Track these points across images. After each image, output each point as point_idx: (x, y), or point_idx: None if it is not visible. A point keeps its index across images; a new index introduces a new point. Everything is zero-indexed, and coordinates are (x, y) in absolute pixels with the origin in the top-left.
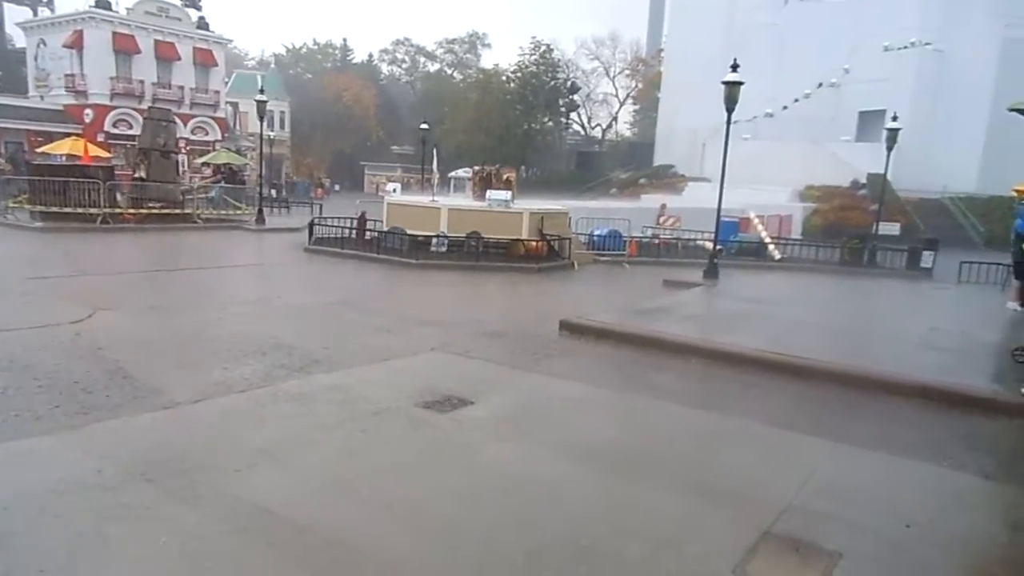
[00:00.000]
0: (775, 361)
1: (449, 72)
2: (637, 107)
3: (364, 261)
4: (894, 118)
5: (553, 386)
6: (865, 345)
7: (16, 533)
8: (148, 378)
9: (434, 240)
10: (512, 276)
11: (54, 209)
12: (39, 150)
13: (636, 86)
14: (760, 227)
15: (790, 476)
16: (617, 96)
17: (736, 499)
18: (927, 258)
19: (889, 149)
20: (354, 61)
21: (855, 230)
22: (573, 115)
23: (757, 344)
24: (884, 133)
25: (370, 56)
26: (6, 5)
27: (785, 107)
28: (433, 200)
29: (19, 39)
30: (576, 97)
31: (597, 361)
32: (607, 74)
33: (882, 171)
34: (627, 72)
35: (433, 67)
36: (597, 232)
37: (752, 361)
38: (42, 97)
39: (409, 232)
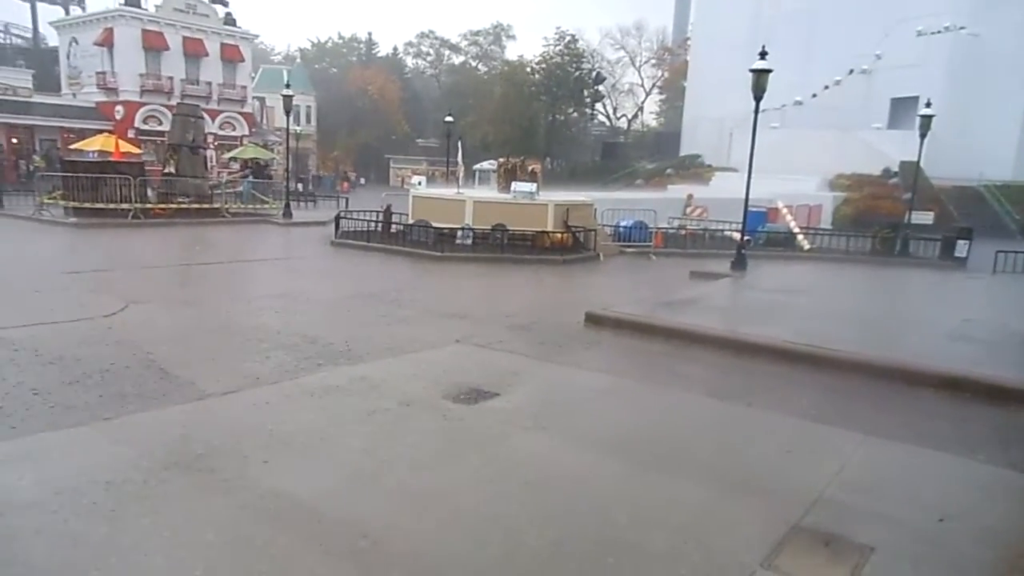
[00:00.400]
0: (803, 353)
1: (474, 64)
2: (663, 97)
3: (390, 254)
4: (927, 104)
5: (578, 378)
6: (896, 336)
7: (51, 523)
8: (179, 370)
9: (459, 233)
10: (537, 268)
11: (87, 205)
12: (72, 147)
13: (662, 75)
14: (789, 217)
15: (819, 469)
16: (643, 86)
17: (764, 492)
18: (961, 247)
19: (922, 136)
20: (379, 55)
21: (887, 219)
22: (598, 106)
23: (785, 336)
24: (917, 120)
25: (395, 49)
26: (39, 5)
27: (815, 95)
28: (458, 193)
29: (52, 38)
30: (601, 88)
31: (623, 353)
32: (633, 64)
33: (915, 159)
34: (653, 61)
35: (458, 60)
36: (623, 223)
37: (780, 353)
38: (74, 95)
39: (434, 225)
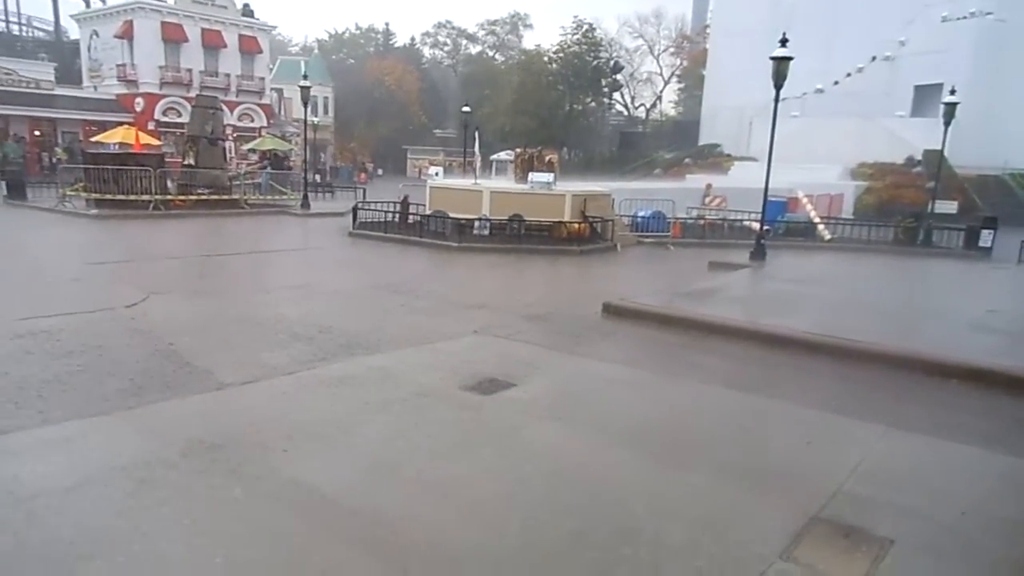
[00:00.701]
0: (824, 343)
1: (491, 54)
2: (682, 86)
3: (407, 245)
4: (952, 92)
5: (596, 369)
6: (918, 327)
7: (75, 510)
8: (199, 360)
9: (477, 223)
10: (555, 258)
11: (108, 196)
12: (93, 139)
13: (681, 64)
14: (809, 206)
15: (839, 460)
16: (661, 75)
17: (783, 483)
18: (986, 237)
19: (946, 124)
20: (396, 45)
21: (910, 208)
22: (616, 95)
23: (805, 326)
24: (941, 108)
25: (412, 40)
26: None
27: (836, 82)
28: (475, 183)
29: (73, 31)
30: (619, 77)
31: (640, 344)
32: (651, 52)
33: (939, 147)
34: (671, 50)
35: (475, 49)
36: (641, 213)
37: (800, 344)
38: (95, 87)
39: (452, 215)
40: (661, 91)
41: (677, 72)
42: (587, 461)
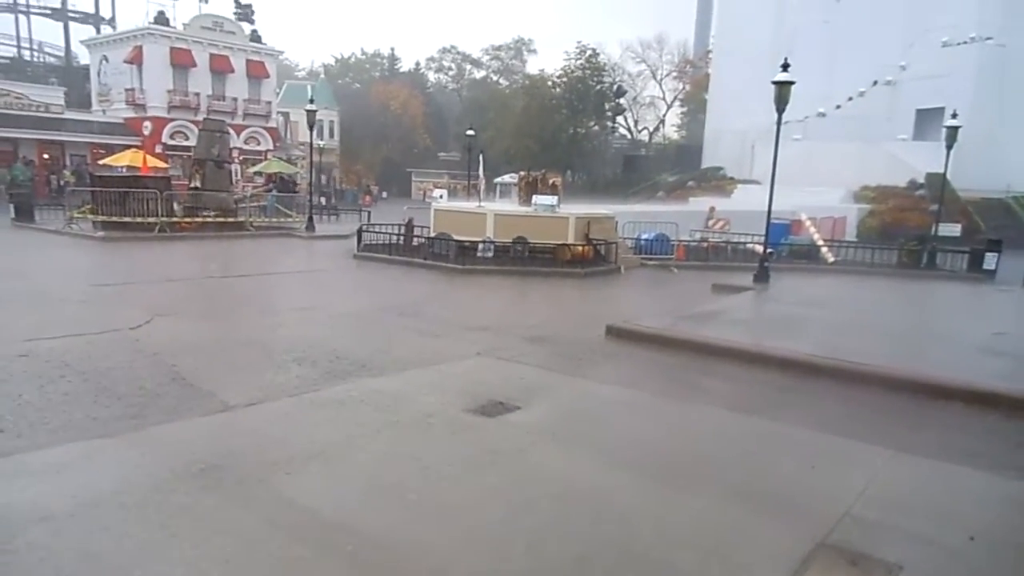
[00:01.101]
0: (828, 366)
1: (495, 79)
2: (684, 109)
3: (412, 267)
4: (954, 115)
5: (600, 391)
6: (924, 350)
7: (75, 534)
8: (203, 382)
9: (480, 246)
10: (558, 281)
11: (115, 219)
12: (101, 162)
13: (683, 88)
14: (812, 229)
15: (845, 485)
16: (664, 99)
17: (789, 508)
18: (990, 260)
19: (948, 147)
20: (401, 70)
21: (913, 231)
22: (619, 119)
23: (809, 349)
24: (943, 131)
25: (417, 64)
26: (71, 24)
27: (838, 106)
28: (479, 206)
29: (83, 56)
30: (622, 101)
31: (644, 366)
32: (654, 77)
33: (941, 170)
34: (674, 74)
35: (479, 74)
36: (644, 236)
37: (805, 366)
38: (104, 111)
39: (456, 238)
40: (664, 115)
41: (680, 96)
42: (591, 484)
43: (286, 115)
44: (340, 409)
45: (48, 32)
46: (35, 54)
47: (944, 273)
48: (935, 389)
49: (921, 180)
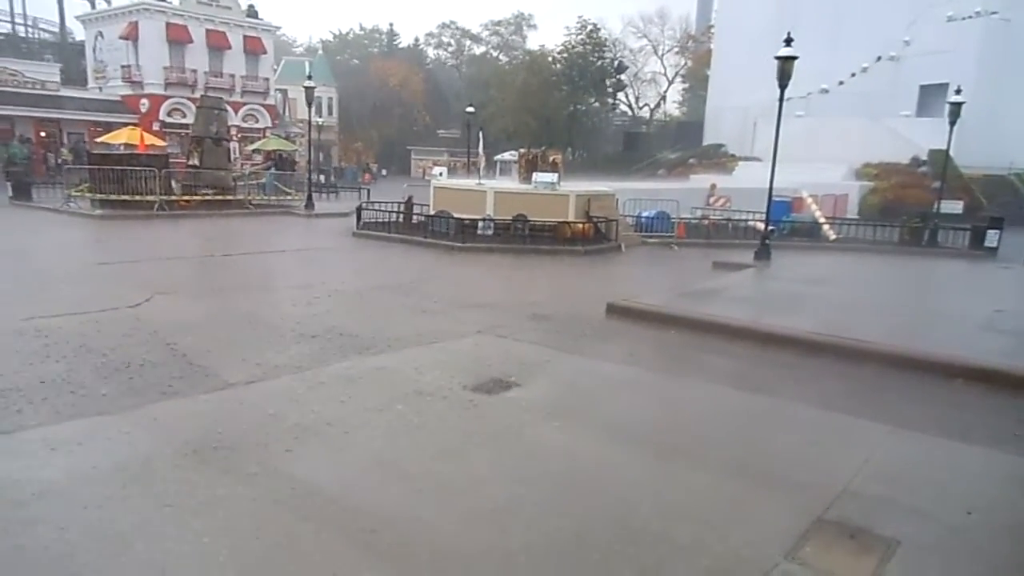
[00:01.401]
0: (828, 343)
1: (495, 55)
2: (686, 86)
3: (411, 245)
4: (957, 91)
5: (600, 368)
6: (925, 327)
7: (78, 510)
8: (203, 360)
9: (480, 223)
10: (559, 259)
11: (113, 197)
12: (98, 140)
13: (685, 64)
14: (814, 207)
15: (844, 461)
16: (665, 75)
17: (787, 484)
18: (992, 237)
19: (952, 124)
20: (400, 46)
21: (915, 209)
22: (620, 95)
23: (810, 326)
24: (946, 107)
25: (416, 40)
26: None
27: (841, 82)
28: (479, 183)
29: (78, 32)
30: (623, 77)
31: (644, 344)
32: (655, 52)
33: (944, 147)
34: (676, 50)
35: (479, 50)
36: (645, 214)
37: (804, 343)
38: (100, 88)
39: (456, 216)
40: (665, 91)
41: (681, 72)
42: (591, 461)
43: (284, 92)
44: (340, 387)
45: (43, 7)
46: (30, 30)
47: (946, 250)
48: (936, 366)
49: (924, 157)
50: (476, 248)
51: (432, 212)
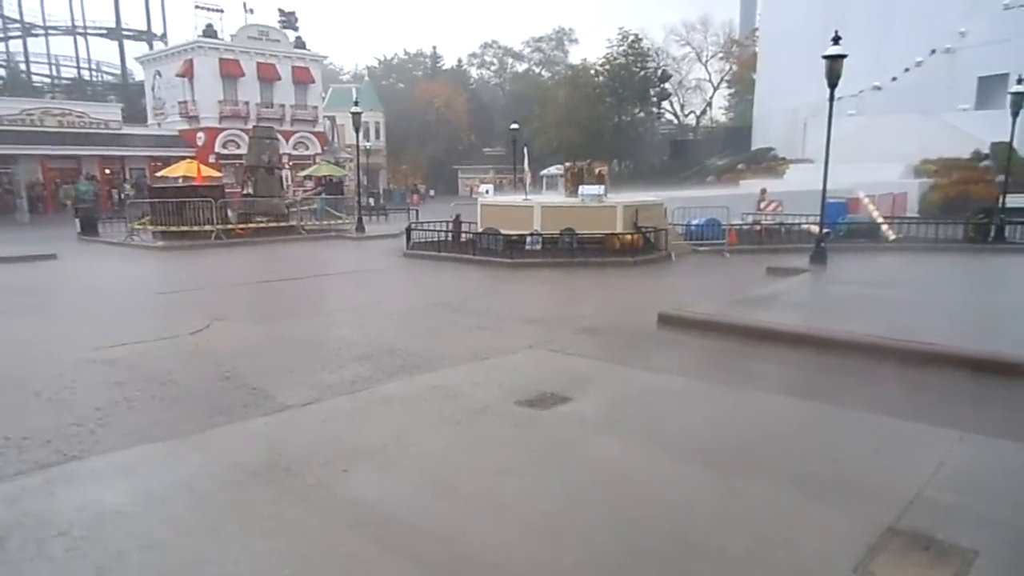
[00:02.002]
0: (892, 347)
1: (537, 71)
2: (732, 91)
3: (461, 263)
4: (1019, 81)
5: (653, 380)
6: (995, 328)
7: (143, 532)
8: (261, 383)
9: (528, 239)
10: (608, 271)
11: (173, 228)
12: (158, 174)
13: (730, 69)
14: (871, 207)
15: (914, 468)
16: (710, 81)
17: (854, 494)
18: None
19: (1014, 115)
20: (444, 68)
21: (979, 204)
22: (665, 104)
23: (872, 330)
24: (1008, 98)
25: (459, 61)
26: (126, 43)
27: (894, 78)
28: (526, 199)
29: (138, 73)
30: (667, 85)
31: (698, 354)
32: (699, 59)
33: (1007, 139)
34: (720, 55)
35: (521, 67)
36: (694, 222)
37: (867, 348)
38: (159, 124)
39: (503, 232)
40: (711, 97)
41: (727, 77)
42: (647, 475)
43: (332, 119)
44: (395, 406)
45: (105, 52)
46: (93, 73)
47: (1014, 246)
48: (1008, 368)
49: (986, 150)
50: (525, 263)
51: (480, 230)
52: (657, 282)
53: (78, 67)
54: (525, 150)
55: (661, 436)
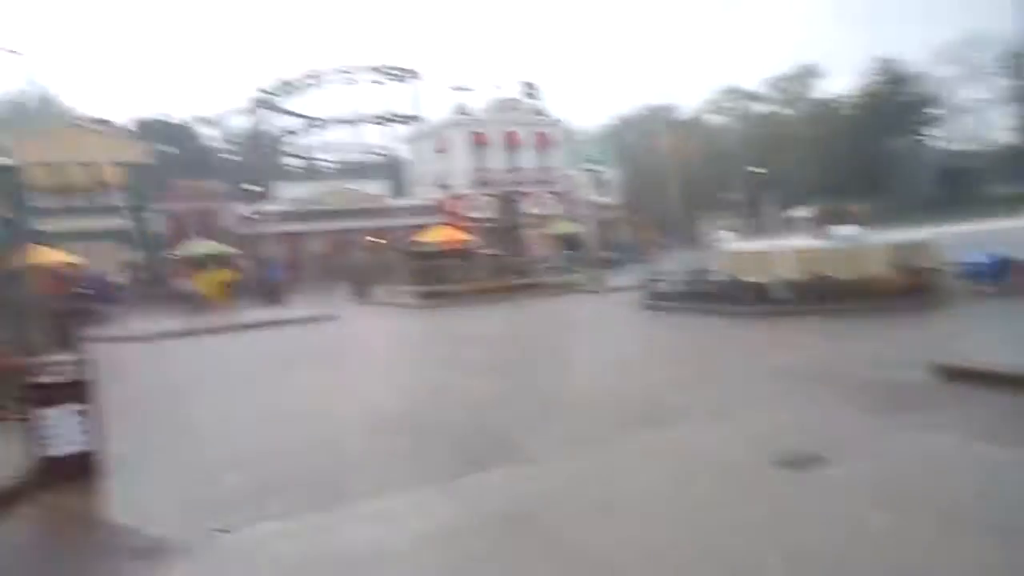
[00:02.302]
0: None
1: (780, 111)
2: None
3: (704, 313)
4: None
5: (930, 442)
6: None
7: (411, 571)
8: (511, 435)
9: (775, 286)
10: (868, 319)
11: (430, 289)
12: (416, 240)
13: (1011, 85)
14: None
15: None
16: (985, 100)
17: None
18: None
19: None
20: (681, 118)
21: None
22: (930, 130)
23: None
24: None
25: (697, 110)
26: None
27: None
28: (771, 244)
29: (403, 151)
30: (932, 110)
31: (988, 412)
32: (970, 78)
33: None
34: (994, 72)
35: (763, 108)
36: (975, 260)
37: None
38: (419, 195)
39: (747, 279)
40: (988, 118)
41: (1006, 94)
42: (931, 555)
43: (572, 177)
44: (643, 460)
45: (376, 136)
46: (367, 156)
47: None
48: None
49: None
50: (772, 312)
51: (722, 278)
52: (928, 330)
53: (356, 151)
54: (769, 193)
55: (947, 511)
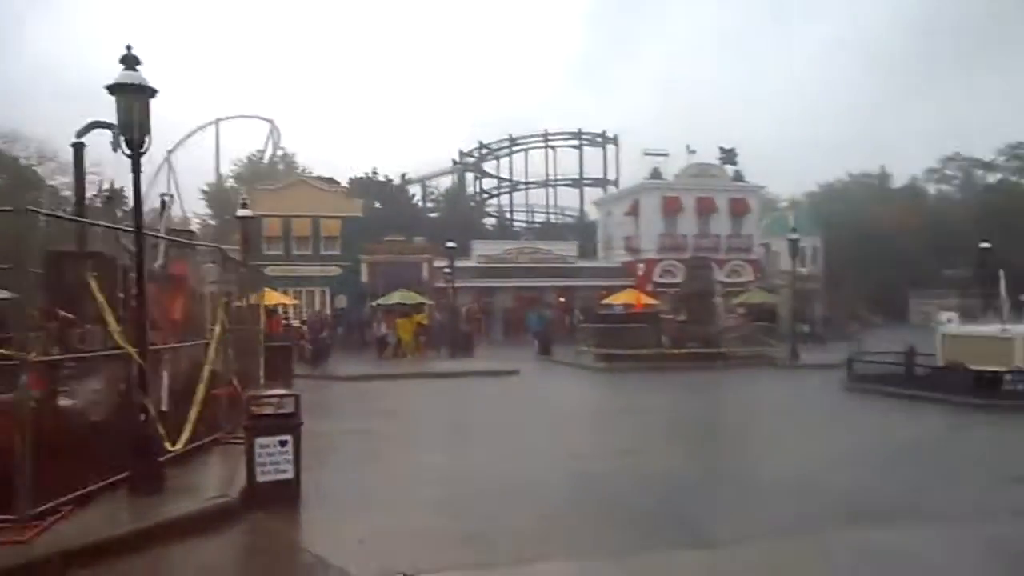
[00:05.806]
0: None
1: (1015, 179)
2: None
3: (915, 401)
4: None
5: None
6: None
7: None
8: (690, 511)
9: (1008, 376)
10: None
11: (613, 351)
12: (603, 301)
13: None
14: None
15: None
16: None
17: None
18: None
19: None
20: (894, 186)
21: None
22: None
23: None
24: None
25: (913, 178)
26: (585, 189)
27: None
28: (1003, 329)
29: (593, 214)
30: None
31: None
32: None
33: None
34: None
35: (993, 177)
36: None
37: None
38: (606, 257)
39: (972, 367)
40: None
41: None
42: None
43: (767, 245)
44: (841, 557)
45: (569, 198)
46: (558, 217)
47: None
48: None
49: None
50: (1002, 406)
51: (941, 363)
52: None
53: (547, 212)
54: (1001, 272)
55: None
